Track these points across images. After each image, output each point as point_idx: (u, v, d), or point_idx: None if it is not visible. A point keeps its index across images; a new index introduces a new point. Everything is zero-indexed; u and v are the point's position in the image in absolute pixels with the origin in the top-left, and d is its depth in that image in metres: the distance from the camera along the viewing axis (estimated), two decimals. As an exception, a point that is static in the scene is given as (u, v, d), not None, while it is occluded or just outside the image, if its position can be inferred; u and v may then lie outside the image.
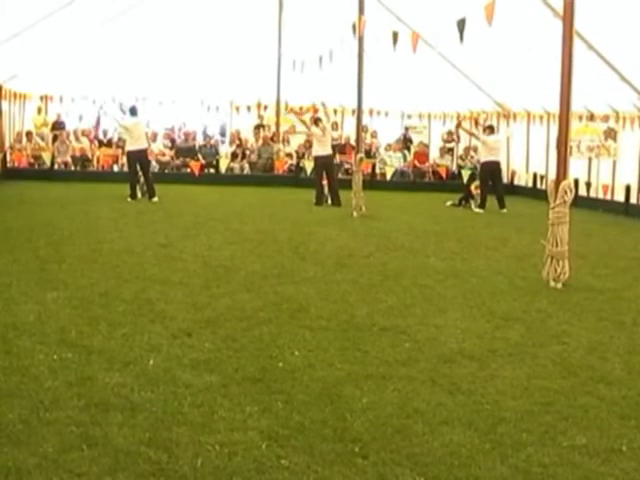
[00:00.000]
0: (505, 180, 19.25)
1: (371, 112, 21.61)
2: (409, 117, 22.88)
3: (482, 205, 15.28)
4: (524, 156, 19.09)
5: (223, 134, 23.27)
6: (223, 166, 19.85)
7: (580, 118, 16.18)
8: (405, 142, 21.87)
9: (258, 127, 21.38)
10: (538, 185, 18.23)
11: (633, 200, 15.35)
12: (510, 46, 14.57)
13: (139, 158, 14.64)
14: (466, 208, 15.53)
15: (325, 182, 15.31)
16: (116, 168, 19.99)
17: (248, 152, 20.82)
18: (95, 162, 20.25)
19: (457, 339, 5.69)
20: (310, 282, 7.52)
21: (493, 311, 6.62)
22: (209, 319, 5.93)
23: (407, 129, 22.68)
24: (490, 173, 15.52)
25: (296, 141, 21.53)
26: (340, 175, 17.79)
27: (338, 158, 18.90)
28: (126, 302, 6.35)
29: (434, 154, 21.64)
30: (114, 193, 14.90)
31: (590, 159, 16.61)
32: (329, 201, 15.28)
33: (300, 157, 20.70)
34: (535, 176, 18.57)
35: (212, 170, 19.96)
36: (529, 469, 3.55)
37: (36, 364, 4.70)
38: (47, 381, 4.40)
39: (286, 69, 19.18)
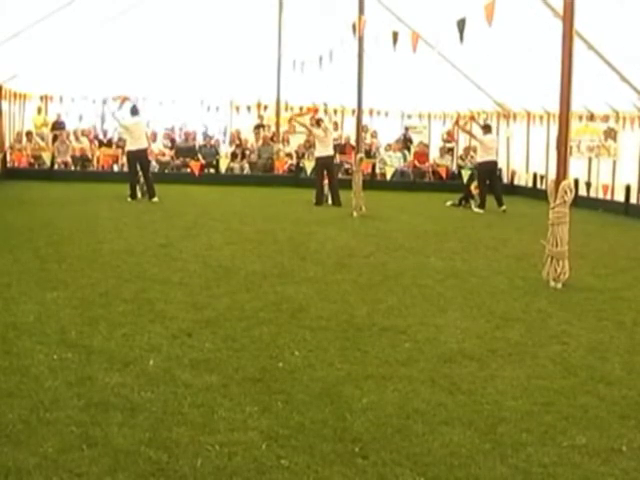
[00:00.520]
0: (505, 180, 19.28)
1: (371, 112, 21.62)
2: (409, 117, 22.90)
3: (482, 205, 15.28)
4: (524, 156, 19.09)
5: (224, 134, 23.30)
6: (223, 166, 19.85)
7: (580, 118, 16.18)
8: (405, 142, 21.87)
9: (258, 127, 21.38)
10: (538, 185, 18.23)
11: (633, 200, 15.34)
12: (510, 46, 14.57)
13: (139, 158, 14.63)
14: (466, 208, 15.53)
15: (325, 182, 15.31)
16: (116, 168, 19.99)
17: (248, 152, 20.82)
18: (95, 162, 20.25)
19: (457, 339, 5.69)
20: (310, 282, 7.52)
21: (493, 311, 6.62)
22: (209, 319, 5.93)
23: (407, 129, 22.69)
24: (488, 173, 15.53)
25: (296, 141, 21.55)
26: (340, 175, 17.79)
27: (338, 158, 18.89)
28: (126, 302, 6.35)
29: (434, 154, 21.65)
30: (114, 193, 14.90)
31: (590, 159, 16.61)
32: (329, 201, 15.28)
33: (300, 157, 20.70)
34: (535, 176, 18.57)
35: (212, 170, 19.96)
36: (529, 469, 3.55)
37: (36, 364, 4.70)
38: (47, 381, 4.40)
39: (286, 69, 19.18)
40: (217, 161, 19.99)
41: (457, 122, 18.13)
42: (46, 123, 20.84)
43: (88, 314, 5.94)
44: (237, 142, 21.20)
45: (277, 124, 20.53)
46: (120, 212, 12.59)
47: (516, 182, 19.46)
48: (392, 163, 20.55)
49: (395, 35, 12.26)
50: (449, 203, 16.00)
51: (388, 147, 21.26)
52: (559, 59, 7.88)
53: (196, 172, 19.32)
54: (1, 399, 4.11)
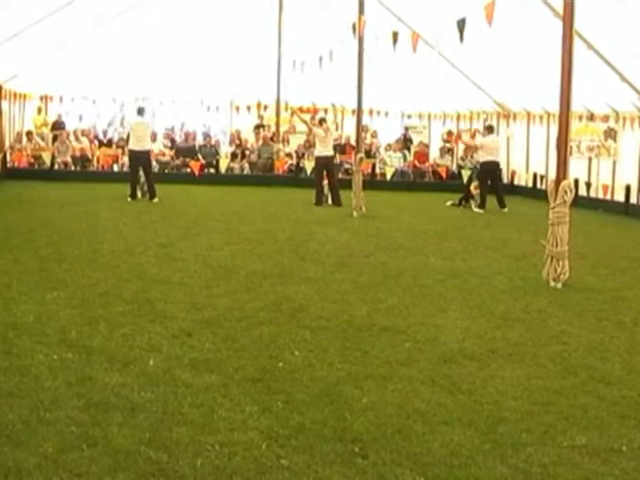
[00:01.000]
0: (505, 180, 19.27)
1: (371, 112, 21.62)
2: (409, 117, 22.90)
3: (482, 205, 15.28)
4: (524, 156, 19.09)
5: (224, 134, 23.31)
6: (223, 166, 19.85)
7: (580, 118, 16.18)
8: (405, 142, 21.87)
9: (258, 127, 21.38)
10: (538, 185, 18.23)
11: (633, 200, 15.35)
12: (510, 46, 14.57)
13: (139, 159, 14.62)
14: (466, 208, 15.52)
15: (325, 182, 15.31)
16: (116, 168, 19.99)
17: (248, 152, 20.82)
18: (95, 162, 20.25)
19: (457, 339, 5.69)
20: (310, 282, 7.52)
21: (493, 311, 6.62)
22: (209, 319, 5.93)
23: (407, 129, 22.69)
24: (489, 173, 15.53)
25: (296, 141, 21.55)
26: (340, 175, 17.79)
27: (338, 158, 18.90)
28: (126, 302, 6.35)
29: (434, 154, 21.64)
30: (114, 193, 14.89)
31: (590, 159, 16.62)
32: (329, 201, 15.28)
33: (300, 157, 20.71)
34: (535, 176, 18.57)
35: (212, 170, 19.96)
36: (529, 469, 3.55)
37: (36, 364, 4.70)
38: (47, 381, 4.40)
39: (286, 69, 19.18)
40: (217, 161, 19.99)
41: (459, 137, 18.14)
42: (46, 123, 20.85)
43: (88, 314, 5.94)
44: (237, 142, 21.20)
45: (277, 124, 20.53)
46: (120, 212, 12.59)
47: (516, 182, 19.46)
48: (392, 163, 20.55)
49: (395, 35, 12.27)
50: (449, 203, 15.99)
51: (388, 147, 21.26)
52: (559, 59, 7.88)
53: (196, 172, 19.32)
54: (1, 399, 4.11)
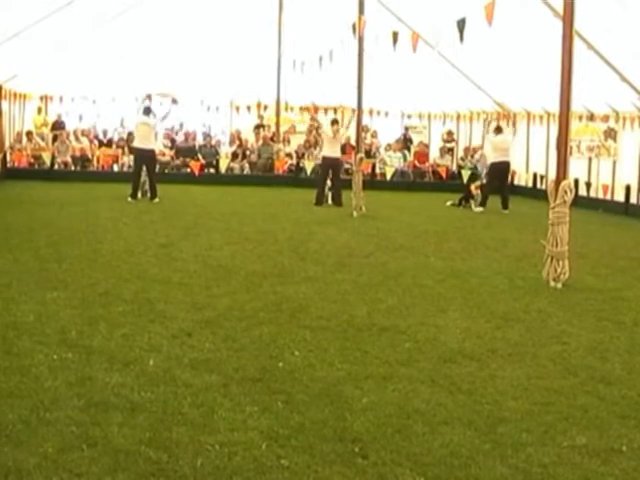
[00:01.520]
0: (509, 181, 19.25)
1: (371, 112, 21.62)
2: (409, 117, 22.90)
3: (483, 203, 15.27)
4: (524, 156, 19.08)
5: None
6: (223, 166, 19.85)
7: (580, 118, 16.18)
8: (405, 142, 21.87)
9: (258, 127, 21.39)
10: (538, 185, 18.23)
11: (633, 200, 15.35)
12: (510, 46, 14.57)
13: (144, 157, 14.61)
14: (466, 208, 15.53)
15: (328, 182, 15.31)
16: (116, 168, 19.99)
17: (248, 152, 20.82)
18: (95, 162, 20.25)
19: (457, 339, 5.69)
20: (310, 282, 7.52)
21: (493, 311, 6.62)
22: (209, 319, 5.93)
23: (407, 129, 22.69)
24: (498, 173, 15.54)
25: (296, 141, 21.56)
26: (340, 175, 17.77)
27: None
28: (126, 302, 6.35)
29: (434, 154, 21.64)
30: (114, 193, 14.89)
31: (590, 159, 16.62)
32: (329, 201, 15.29)
33: (300, 157, 20.71)
34: (535, 176, 18.57)
35: (212, 170, 19.96)
36: (529, 469, 3.55)
37: (36, 364, 4.70)
38: (47, 381, 4.40)
39: (286, 69, 19.19)
40: (217, 161, 19.99)
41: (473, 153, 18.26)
42: (46, 123, 20.85)
43: (88, 314, 5.94)
44: (238, 142, 21.19)
45: (277, 124, 20.53)
46: (120, 212, 12.59)
47: (516, 182, 19.44)
48: (392, 163, 20.55)
49: (395, 35, 12.26)
50: (449, 203, 16.00)
51: (388, 147, 21.26)
52: (559, 59, 7.88)
53: (196, 172, 19.33)
54: (1, 399, 4.11)
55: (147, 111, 14.92)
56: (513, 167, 19.44)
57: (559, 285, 7.75)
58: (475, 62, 16.66)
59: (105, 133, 21.53)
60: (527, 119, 18.77)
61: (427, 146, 21.99)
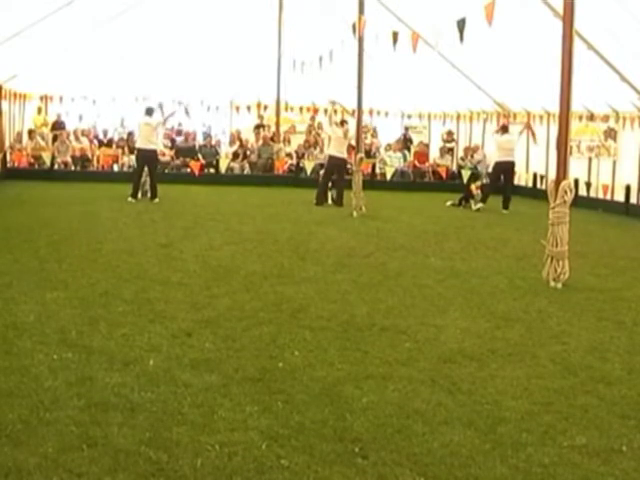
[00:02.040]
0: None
1: (371, 112, 21.62)
2: (409, 117, 22.90)
3: (484, 200, 15.27)
4: (524, 156, 19.08)
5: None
6: (223, 166, 19.85)
7: (580, 118, 16.18)
8: (405, 142, 21.87)
9: (258, 127, 21.39)
10: (538, 185, 18.23)
11: (633, 200, 15.35)
12: (510, 46, 14.57)
13: (145, 157, 14.62)
14: (466, 208, 15.53)
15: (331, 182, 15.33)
16: (116, 168, 19.99)
17: (248, 152, 20.82)
18: (95, 162, 20.25)
19: (457, 339, 5.69)
20: (310, 282, 7.52)
21: (493, 311, 6.62)
22: (209, 319, 5.93)
23: (407, 129, 22.69)
24: (502, 172, 15.57)
25: (296, 141, 21.56)
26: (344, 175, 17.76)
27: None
28: (126, 302, 6.35)
29: (434, 154, 21.64)
30: (114, 193, 14.90)
31: (590, 159, 16.62)
32: (329, 200, 15.29)
33: (300, 157, 20.71)
34: (535, 176, 18.57)
35: (212, 170, 19.96)
36: (529, 469, 3.55)
37: (36, 364, 4.70)
38: (47, 381, 4.40)
39: (286, 69, 19.18)
40: (217, 161, 19.99)
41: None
42: (46, 123, 20.85)
43: (88, 314, 5.94)
44: (238, 142, 21.18)
45: (277, 124, 20.53)
46: (120, 212, 12.59)
47: (516, 182, 19.40)
48: (392, 163, 20.55)
49: (395, 35, 12.26)
50: (449, 203, 15.99)
51: (388, 147, 21.26)
52: (559, 59, 7.88)
53: (196, 172, 19.32)
54: (1, 399, 4.11)
55: (149, 111, 14.92)
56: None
57: (559, 285, 7.75)
58: (475, 62, 16.65)
59: (105, 133, 21.53)
60: (527, 119, 18.75)
61: (427, 146, 21.99)
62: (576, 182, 14.97)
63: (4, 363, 4.70)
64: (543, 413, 4.25)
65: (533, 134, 18.04)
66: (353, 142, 15.05)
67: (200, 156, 20.13)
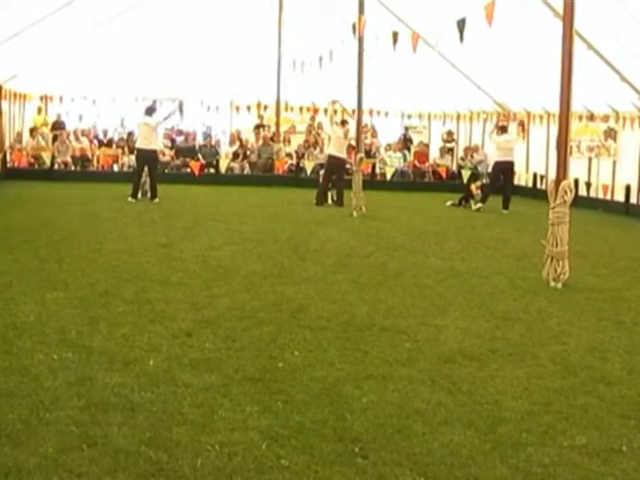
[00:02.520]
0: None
1: (371, 112, 21.62)
2: (409, 117, 22.90)
3: (483, 200, 15.28)
4: (524, 156, 19.08)
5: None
6: (223, 166, 19.85)
7: (580, 118, 16.18)
8: (405, 142, 21.87)
9: (258, 127, 21.39)
10: (538, 185, 18.23)
11: (633, 200, 15.35)
12: (510, 46, 14.57)
13: (145, 157, 14.61)
14: (466, 208, 15.53)
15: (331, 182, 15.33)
16: (116, 168, 19.99)
17: (248, 152, 20.82)
18: (95, 162, 20.25)
19: (457, 339, 5.69)
20: (310, 282, 7.52)
21: (493, 311, 6.62)
22: (209, 319, 5.93)
23: (407, 129, 22.69)
24: (501, 172, 15.57)
25: (296, 141, 21.56)
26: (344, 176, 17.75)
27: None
28: (126, 302, 6.35)
29: (434, 154, 21.64)
30: (114, 193, 14.90)
31: (590, 159, 16.62)
32: (329, 200, 15.29)
33: (300, 157, 20.71)
34: (535, 176, 18.57)
35: (212, 170, 19.96)
36: (529, 469, 3.55)
37: (36, 364, 4.70)
38: (47, 381, 4.40)
39: (286, 69, 19.18)
40: (217, 161, 19.99)
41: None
42: (46, 123, 20.85)
43: (88, 314, 5.94)
44: (238, 142, 21.18)
45: (277, 124, 20.53)
46: (120, 212, 12.59)
47: (516, 182, 19.40)
48: (392, 163, 20.56)
49: (395, 35, 12.25)
50: (449, 203, 16.00)
51: (388, 147, 21.26)
52: (559, 59, 7.88)
53: (196, 172, 19.33)
54: (1, 399, 4.11)
55: (149, 111, 14.91)
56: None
57: (559, 285, 7.75)
58: (475, 62, 16.66)
59: (105, 133, 21.53)
60: (527, 119, 18.76)
61: (427, 146, 21.99)
62: (576, 182, 14.97)
63: (4, 363, 4.70)
64: (543, 413, 4.25)
65: (523, 129, 18.04)
66: (353, 142, 15.06)
67: (200, 156, 20.13)
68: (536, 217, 12.56)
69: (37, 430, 3.72)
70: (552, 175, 8.71)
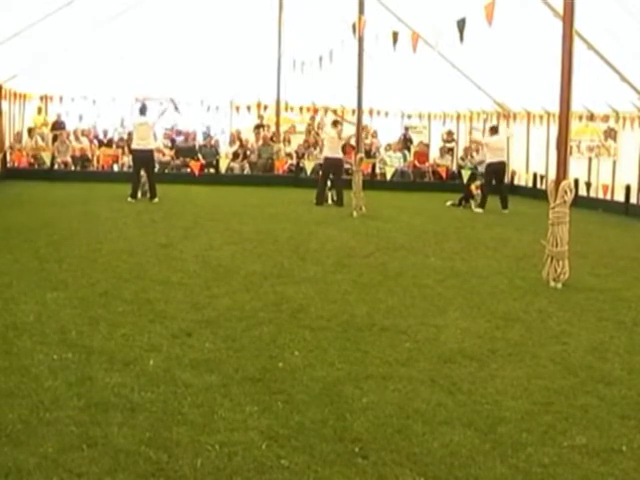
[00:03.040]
0: (505, 180, 19.25)
1: (371, 112, 21.62)
2: (409, 117, 22.90)
3: (482, 205, 15.29)
4: (524, 156, 19.09)
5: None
6: (223, 166, 19.86)
7: (580, 118, 16.18)
8: (405, 142, 21.87)
9: (258, 127, 21.39)
10: (538, 185, 18.23)
11: (633, 200, 15.35)
12: (510, 46, 14.57)
13: (142, 158, 14.60)
14: (466, 208, 15.53)
15: (328, 182, 15.32)
16: (116, 168, 19.99)
17: (248, 152, 20.82)
18: (95, 162, 20.26)
19: (457, 339, 5.69)
20: (310, 282, 7.52)
21: (493, 311, 6.62)
22: (209, 319, 5.93)
23: (407, 129, 22.69)
24: (494, 173, 15.57)
25: (296, 141, 21.57)
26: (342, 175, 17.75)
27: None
28: (126, 302, 6.35)
29: (434, 154, 21.64)
30: (114, 193, 14.90)
31: (590, 159, 16.62)
32: (329, 200, 15.30)
33: (300, 157, 20.71)
34: (535, 176, 18.57)
35: (212, 170, 19.96)
36: (529, 469, 3.55)
37: (36, 364, 4.70)
38: (47, 381, 4.40)
39: (286, 69, 19.19)
40: (217, 161, 19.99)
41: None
42: (46, 123, 20.85)
43: (88, 314, 5.94)
44: (238, 142, 21.19)
45: (277, 124, 20.53)
46: (120, 212, 12.59)
47: (516, 182, 19.46)
48: (392, 163, 20.56)
49: (395, 35, 12.26)
50: (449, 203, 16.00)
51: (388, 147, 21.26)
52: (559, 59, 7.88)
53: (196, 172, 19.33)
54: (1, 399, 4.11)
55: (143, 110, 14.90)
56: (513, 167, 19.54)
57: (559, 285, 7.75)
58: (475, 62, 16.66)
59: (105, 133, 21.53)
60: (527, 119, 18.77)
61: (427, 146, 21.99)
62: (576, 182, 14.97)
63: (4, 363, 4.70)
64: (543, 413, 4.25)
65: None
66: (352, 142, 15.07)
67: (200, 156, 20.14)
68: (536, 217, 12.56)
69: (37, 430, 3.72)
70: (552, 175, 8.71)
